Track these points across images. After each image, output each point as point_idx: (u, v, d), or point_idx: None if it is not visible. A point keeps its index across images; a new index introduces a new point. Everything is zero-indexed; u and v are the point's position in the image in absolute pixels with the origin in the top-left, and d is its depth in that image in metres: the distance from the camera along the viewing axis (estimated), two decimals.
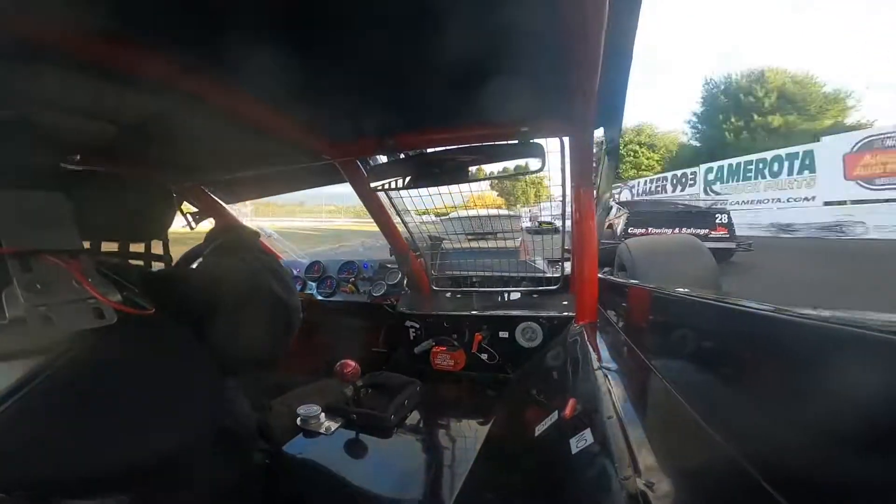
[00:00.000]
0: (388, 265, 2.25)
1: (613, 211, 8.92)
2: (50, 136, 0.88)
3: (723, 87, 27.89)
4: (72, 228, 0.68)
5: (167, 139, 1.13)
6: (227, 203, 2.13)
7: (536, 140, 1.31)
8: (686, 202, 10.63)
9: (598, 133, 1.38)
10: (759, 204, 18.58)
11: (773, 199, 18.13)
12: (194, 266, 1.03)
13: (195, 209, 2.01)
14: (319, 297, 2.29)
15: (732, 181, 20.39)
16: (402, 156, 1.52)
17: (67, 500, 0.57)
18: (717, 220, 8.08)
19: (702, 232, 7.64)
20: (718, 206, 8.87)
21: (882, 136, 14.38)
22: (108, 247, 1.08)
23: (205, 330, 0.79)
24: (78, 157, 1.08)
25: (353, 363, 1.35)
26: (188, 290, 0.84)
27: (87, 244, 0.77)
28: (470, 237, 2.19)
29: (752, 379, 0.60)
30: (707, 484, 0.56)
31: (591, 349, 1.24)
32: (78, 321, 0.58)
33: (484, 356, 1.79)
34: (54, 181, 0.68)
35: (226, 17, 0.70)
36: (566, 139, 1.38)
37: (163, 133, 1.07)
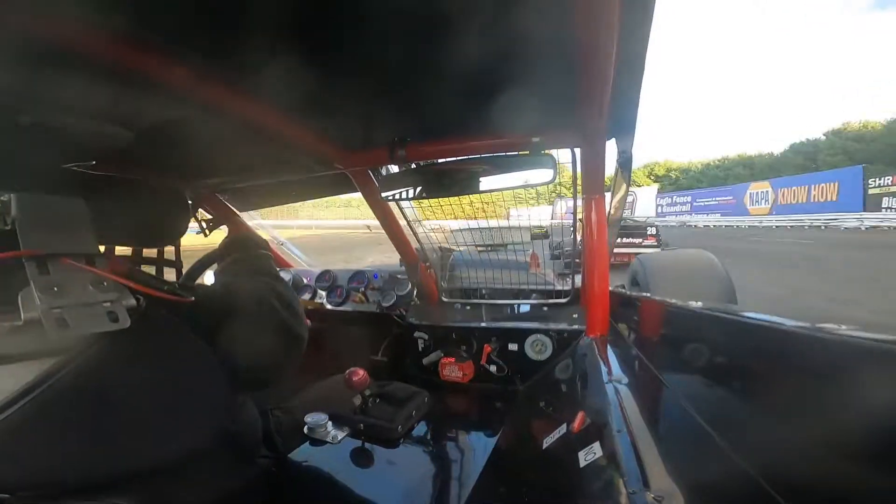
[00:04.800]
0: (398, 275, 2.25)
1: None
2: (67, 140, 0.90)
3: None
4: (89, 232, 0.69)
5: (182, 146, 1.15)
6: (240, 210, 2.16)
7: (548, 151, 1.31)
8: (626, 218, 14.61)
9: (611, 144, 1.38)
10: None
11: None
12: (211, 278, 1.05)
13: (209, 216, 2.04)
14: (329, 306, 2.29)
15: None
16: (413, 166, 1.53)
17: (71, 501, 0.57)
18: (648, 232, 11.02)
19: (637, 240, 10.44)
20: (649, 221, 12.73)
21: None
22: (122, 251, 1.10)
23: (212, 345, 0.79)
24: (95, 162, 1.10)
25: (361, 372, 1.34)
26: (204, 302, 0.84)
27: (102, 248, 0.78)
28: (480, 248, 2.18)
29: (766, 393, 0.58)
30: (719, 500, 0.54)
31: (601, 362, 1.22)
32: (92, 324, 0.59)
33: (493, 368, 1.77)
34: (71, 185, 0.70)
35: (242, 24, 0.72)
36: (578, 150, 1.37)
37: (178, 139, 1.09)
